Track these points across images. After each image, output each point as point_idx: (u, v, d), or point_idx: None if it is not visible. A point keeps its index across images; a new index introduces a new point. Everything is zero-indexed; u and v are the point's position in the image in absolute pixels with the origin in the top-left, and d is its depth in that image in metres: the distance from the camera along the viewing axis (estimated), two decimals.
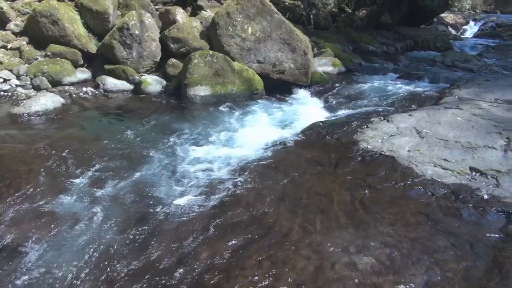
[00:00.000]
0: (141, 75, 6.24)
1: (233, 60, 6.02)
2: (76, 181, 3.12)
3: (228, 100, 5.66)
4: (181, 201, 2.88)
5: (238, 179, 3.21)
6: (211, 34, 6.38)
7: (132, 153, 3.74)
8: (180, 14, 6.94)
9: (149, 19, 6.29)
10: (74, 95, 5.66)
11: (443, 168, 3.11)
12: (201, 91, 5.66)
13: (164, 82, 6.28)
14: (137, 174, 3.29)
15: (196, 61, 5.68)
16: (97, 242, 2.40)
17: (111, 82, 5.97)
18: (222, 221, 2.62)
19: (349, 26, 13.33)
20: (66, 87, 5.83)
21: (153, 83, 6.08)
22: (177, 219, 2.66)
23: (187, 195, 2.97)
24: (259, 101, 5.78)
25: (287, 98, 6.07)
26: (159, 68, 6.56)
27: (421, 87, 6.51)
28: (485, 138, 3.54)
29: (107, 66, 6.20)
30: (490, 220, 2.49)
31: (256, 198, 2.91)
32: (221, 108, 5.34)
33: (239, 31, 6.19)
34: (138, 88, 5.99)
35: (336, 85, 6.75)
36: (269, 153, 3.76)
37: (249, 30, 6.22)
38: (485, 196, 2.72)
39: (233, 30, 6.18)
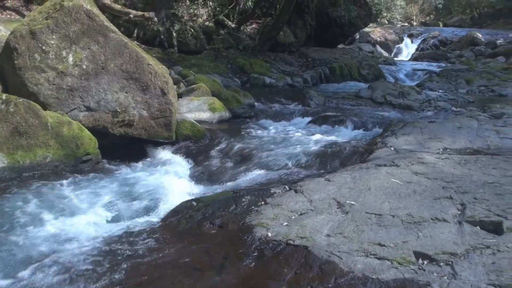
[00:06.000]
0: None
1: (45, 108, 5.91)
2: None
3: (37, 175, 5.47)
4: None
5: None
6: (5, 66, 6.23)
7: None
8: None
9: None
10: None
11: (378, 258, 3.35)
12: None
13: None
14: None
15: None
16: None
17: None
18: None
19: (234, 48, 14.12)
20: None
21: None
22: None
23: None
24: (90, 172, 5.72)
25: (138, 165, 6.11)
26: None
27: (342, 136, 7.09)
28: (432, 206, 3.94)
29: None
30: None
31: None
32: (23, 189, 5.11)
33: (53, 61, 6.15)
34: None
35: (217, 140, 6.99)
36: (108, 258, 3.66)
37: (70, 59, 6.23)
38: None
39: (43, 60, 6.12)
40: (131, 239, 4.02)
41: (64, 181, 5.41)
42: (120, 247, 3.90)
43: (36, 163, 5.60)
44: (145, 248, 3.85)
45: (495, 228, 3.55)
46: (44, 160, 5.65)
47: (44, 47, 6.13)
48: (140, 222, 4.38)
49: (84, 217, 4.51)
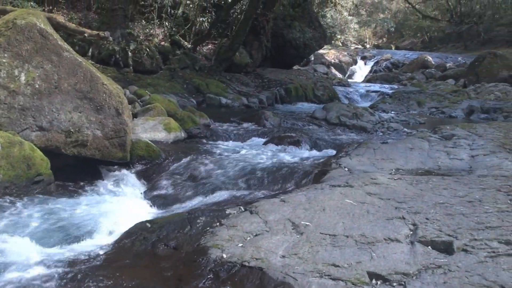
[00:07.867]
0: None
1: None
2: None
3: None
4: None
5: None
6: None
7: None
8: None
9: None
10: None
11: (332, 279, 3.35)
12: None
13: None
14: None
15: None
16: None
17: None
18: None
19: (190, 68, 14.15)
20: None
21: None
22: None
23: None
24: (41, 194, 5.60)
25: (92, 186, 6.01)
26: None
27: (297, 157, 7.14)
28: (385, 227, 3.97)
29: None
30: None
31: None
32: None
33: (5, 80, 6.02)
34: None
35: (173, 160, 6.95)
36: (54, 285, 3.55)
37: (23, 78, 6.11)
38: None
39: None
40: (82, 262, 3.91)
41: (13, 203, 5.27)
42: (69, 271, 3.78)
43: None
44: (96, 272, 3.75)
45: (446, 248, 3.60)
46: None
47: None
48: (92, 245, 4.28)
49: (31, 241, 4.38)
